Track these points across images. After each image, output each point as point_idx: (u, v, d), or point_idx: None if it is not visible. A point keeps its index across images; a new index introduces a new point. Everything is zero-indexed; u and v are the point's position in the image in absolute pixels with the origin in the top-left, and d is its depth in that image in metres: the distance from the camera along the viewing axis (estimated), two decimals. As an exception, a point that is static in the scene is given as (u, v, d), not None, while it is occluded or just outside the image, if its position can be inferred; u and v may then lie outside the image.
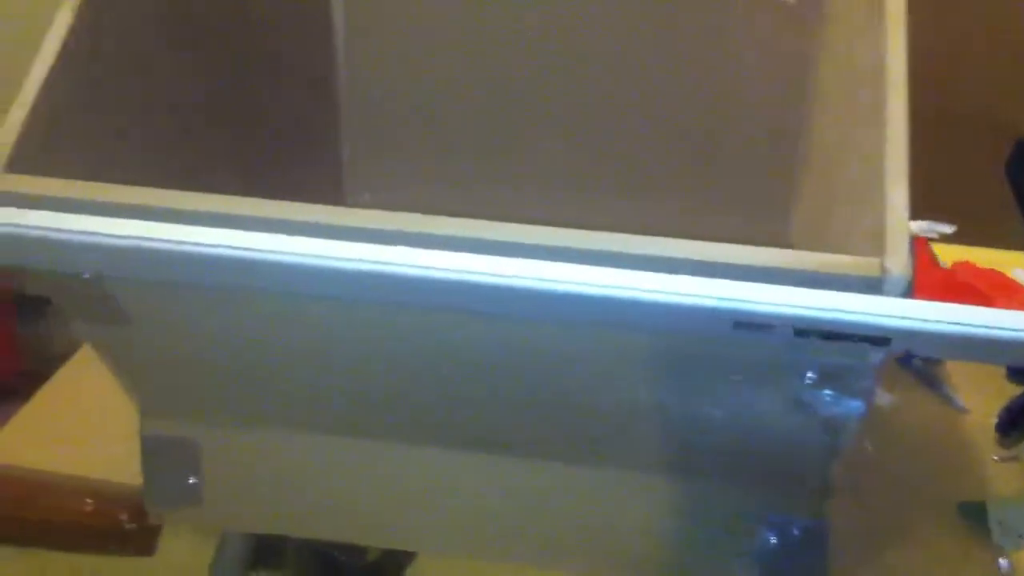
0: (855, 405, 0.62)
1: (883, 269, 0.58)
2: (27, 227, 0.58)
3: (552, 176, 1.09)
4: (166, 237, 0.58)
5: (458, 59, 1.06)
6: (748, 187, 1.07)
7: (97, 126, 0.69)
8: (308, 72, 1.04)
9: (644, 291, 0.56)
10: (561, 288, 0.56)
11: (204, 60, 0.85)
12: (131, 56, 0.73)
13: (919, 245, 0.96)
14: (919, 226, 0.69)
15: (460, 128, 1.09)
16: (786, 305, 0.54)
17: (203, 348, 0.76)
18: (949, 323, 0.54)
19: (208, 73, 0.86)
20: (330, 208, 0.62)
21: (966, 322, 0.54)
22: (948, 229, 0.75)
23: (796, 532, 0.78)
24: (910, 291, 0.59)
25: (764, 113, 1.04)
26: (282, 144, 1.01)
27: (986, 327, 0.53)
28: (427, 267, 0.57)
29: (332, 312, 0.67)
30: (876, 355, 0.57)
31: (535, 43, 1.05)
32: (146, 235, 0.58)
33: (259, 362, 0.75)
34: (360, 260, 0.58)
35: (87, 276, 0.63)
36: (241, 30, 0.91)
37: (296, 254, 0.58)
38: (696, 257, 0.60)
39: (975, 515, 0.90)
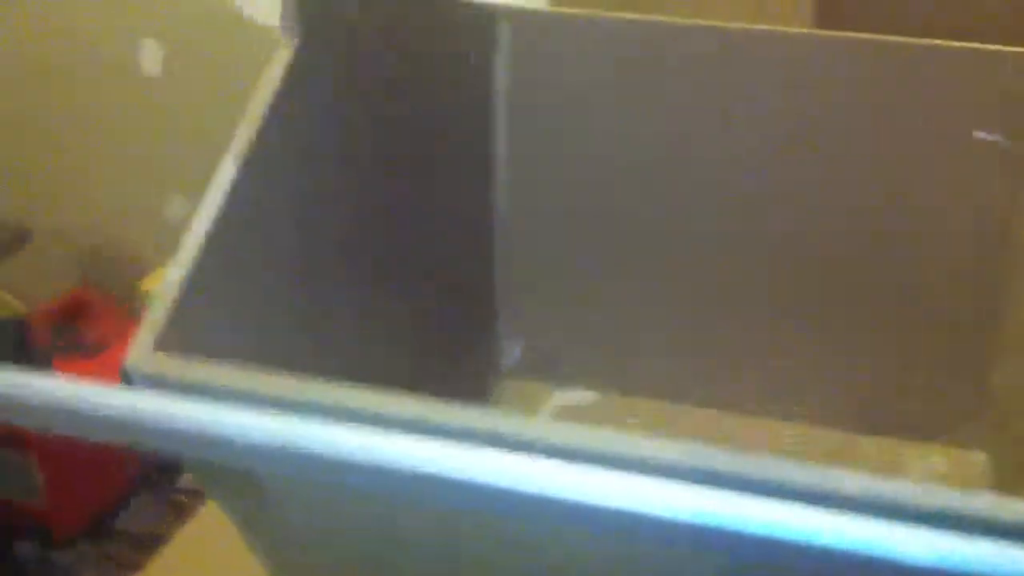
0: None
1: None
2: (175, 417, 0.50)
3: (730, 350, 0.99)
4: (323, 440, 0.50)
5: (633, 210, 0.98)
6: (938, 347, 0.96)
7: (251, 293, 0.62)
8: (464, 214, 0.97)
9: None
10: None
11: (369, 220, 0.79)
12: (292, 215, 0.66)
13: None
14: None
15: (631, 290, 1.00)
16: None
17: (342, 534, 0.68)
18: None
19: (366, 230, 0.79)
20: (516, 419, 0.53)
21: None
22: None
23: None
24: None
25: (963, 269, 0.94)
26: (436, 291, 0.93)
27: None
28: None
29: (481, 527, 0.57)
30: None
31: (720, 198, 0.96)
32: (299, 436, 0.50)
33: (395, 559, 0.67)
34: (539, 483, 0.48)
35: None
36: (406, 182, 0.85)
37: (466, 469, 0.49)
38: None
39: None
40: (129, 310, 1.26)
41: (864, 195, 0.92)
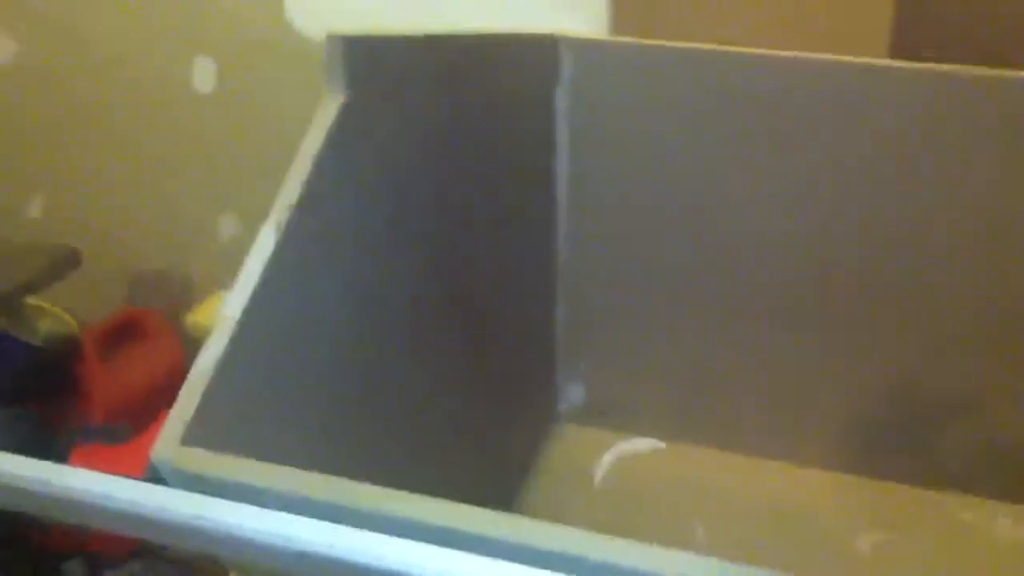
0: None
1: None
2: (206, 519, 0.47)
3: (794, 399, 0.94)
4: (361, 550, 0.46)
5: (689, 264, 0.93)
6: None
7: (292, 371, 0.58)
8: (527, 259, 0.93)
9: None
10: None
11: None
12: (343, 281, 0.62)
13: None
14: None
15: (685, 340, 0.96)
16: None
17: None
18: None
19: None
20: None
21: None
22: None
23: None
24: None
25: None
26: (498, 337, 0.89)
27: None
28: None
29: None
30: None
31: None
32: (340, 546, 0.46)
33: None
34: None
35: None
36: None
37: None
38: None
39: None
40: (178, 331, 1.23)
41: (933, 232, 0.86)
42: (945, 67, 0.82)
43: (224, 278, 0.60)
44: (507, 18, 1.04)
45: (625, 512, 0.92)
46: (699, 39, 0.88)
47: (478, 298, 0.85)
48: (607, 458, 0.98)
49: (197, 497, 0.48)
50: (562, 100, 0.89)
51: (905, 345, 0.90)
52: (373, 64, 0.61)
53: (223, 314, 0.53)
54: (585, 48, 0.88)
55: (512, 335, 0.93)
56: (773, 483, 0.95)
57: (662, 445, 0.99)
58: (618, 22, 1.02)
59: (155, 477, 0.51)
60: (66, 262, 1.15)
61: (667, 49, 0.88)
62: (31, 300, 1.10)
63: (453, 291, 0.80)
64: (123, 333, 1.20)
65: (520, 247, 0.91)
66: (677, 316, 0.96)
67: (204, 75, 1.23)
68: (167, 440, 0.50)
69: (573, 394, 1.00)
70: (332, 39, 0.58)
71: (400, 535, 0.46)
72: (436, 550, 0.46)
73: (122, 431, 0.87)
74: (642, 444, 0.99)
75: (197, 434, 0.50)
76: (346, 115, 0.59)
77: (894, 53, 1.14)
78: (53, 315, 1.15)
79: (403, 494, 0.47)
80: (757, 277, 0.92)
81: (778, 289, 0.92)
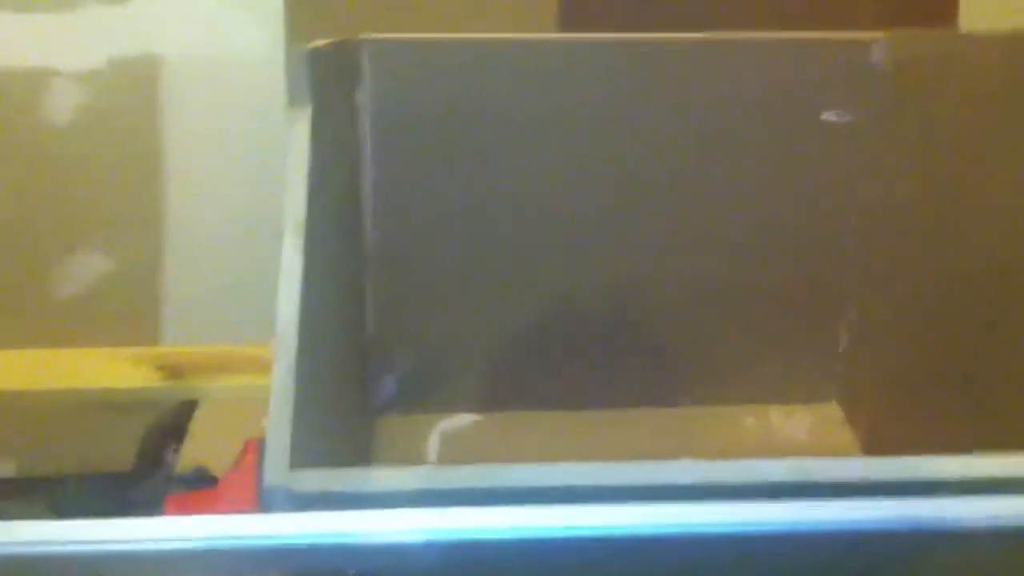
0: None
1: None
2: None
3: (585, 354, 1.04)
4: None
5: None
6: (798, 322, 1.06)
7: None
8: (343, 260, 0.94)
9: None
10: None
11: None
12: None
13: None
14: None
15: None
16: None
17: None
18: None
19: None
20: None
21: None
22: None
23: None
24: None
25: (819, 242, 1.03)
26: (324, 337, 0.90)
27: None
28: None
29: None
30: None
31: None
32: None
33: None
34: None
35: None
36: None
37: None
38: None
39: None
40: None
41: (734, 190, 0.99)
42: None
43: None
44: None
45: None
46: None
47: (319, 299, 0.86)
48: (433, 439, 1.02)
49: (336, 514, 0.48)
50: (364, 99, 0.91)
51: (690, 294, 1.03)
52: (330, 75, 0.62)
53: (277, 336, 0.53)
54: (382, 48, 0.90)
55: (337, 335, 0.94)
56: (582, 430, 1.03)
57: (480, 417, 1.04)
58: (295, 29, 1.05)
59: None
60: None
61: (439, 42, 0.93)
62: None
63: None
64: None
65: (340, 248, 0.92)
66: (475, 299, 1.01)
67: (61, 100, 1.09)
68: (275, 467, 0.49)
69: (387, 386, 1.03)
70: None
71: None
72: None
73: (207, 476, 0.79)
74: (462, 420, 1.04)
75: (301, 457, 0.50)
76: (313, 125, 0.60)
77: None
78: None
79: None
80: (538, 257, 1.01)
81: (548, 266, 1.01)
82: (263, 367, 1.12)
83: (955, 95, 0.92)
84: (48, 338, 1.13)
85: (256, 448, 0.70)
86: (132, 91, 1.09)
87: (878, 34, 0.95)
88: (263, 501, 0.49)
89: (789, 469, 0.53)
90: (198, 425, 1.02)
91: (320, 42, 0.70)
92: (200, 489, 0.76)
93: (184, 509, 0.71)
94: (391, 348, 1.02)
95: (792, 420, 1.04)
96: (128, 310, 1.15)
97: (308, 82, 0.60)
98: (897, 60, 0.94)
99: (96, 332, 1.14)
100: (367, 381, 1.02)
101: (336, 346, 0.77)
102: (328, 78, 0.74)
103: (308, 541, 0.48)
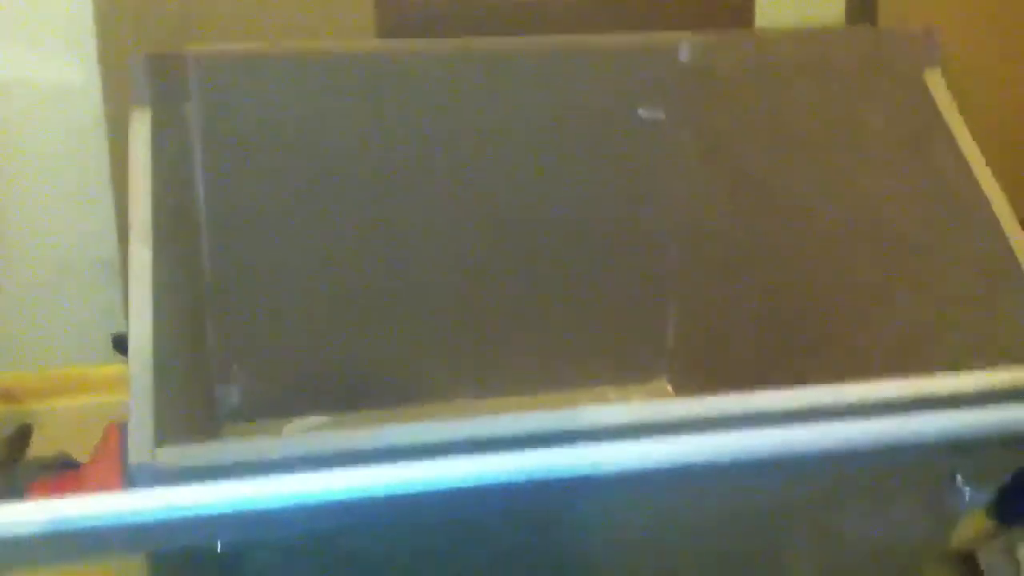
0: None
1: None
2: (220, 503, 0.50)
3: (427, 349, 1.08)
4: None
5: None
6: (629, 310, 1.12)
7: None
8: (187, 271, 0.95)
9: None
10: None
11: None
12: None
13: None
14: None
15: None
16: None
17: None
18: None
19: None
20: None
21: None
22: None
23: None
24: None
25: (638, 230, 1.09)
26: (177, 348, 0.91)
27: None
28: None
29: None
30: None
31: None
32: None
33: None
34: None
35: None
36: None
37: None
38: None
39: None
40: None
41: (560, 186, 1.04)
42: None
43: None
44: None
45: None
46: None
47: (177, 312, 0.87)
48: (283, 440, 1.03)
49: (202, 486, 0.50)
50: (191, 109, 0.92)
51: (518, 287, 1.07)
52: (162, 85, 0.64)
53: (132, 325, 0.54)
54: (207, 60, 0.91)
55: (184, 346, 0.94)
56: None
57: (327, 419, 1.06)
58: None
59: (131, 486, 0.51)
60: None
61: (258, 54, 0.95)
62: None
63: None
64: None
65: (189, 260, 0.93)
66: (310, 308, 1.04)
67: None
68: (140, 444, 0.51)
69: (232, 397, 1.04)
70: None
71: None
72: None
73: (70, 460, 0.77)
74: (309, 422, 1.05)
75: (165, 433, 0.52)
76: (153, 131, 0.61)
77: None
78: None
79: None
80: (367, 258, 1.04)
81: (379, 268, 1.05)
82: (95, 386, 1.13)
83: (754, 87, 1.00)
84: None
85: (118, 431, 0.71)
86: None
87: (686, 34, 1.03)
88: (129, 479, 0.51)
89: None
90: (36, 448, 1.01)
91: (152, 52, 0.71)
92: (63, 473, 0.76)
93: (49, 494, 0.71)
94: (231, 360, 1.03)
95: (627, 397, 1.10)
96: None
97: (147, 82, 0.61)
98: (702, 58, 1.01)
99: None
100: (211, 392, 1.03)
101: (182, 351, 0.78)
102: (161, 88, 0.76)
103: (177, 514, 0.50)
